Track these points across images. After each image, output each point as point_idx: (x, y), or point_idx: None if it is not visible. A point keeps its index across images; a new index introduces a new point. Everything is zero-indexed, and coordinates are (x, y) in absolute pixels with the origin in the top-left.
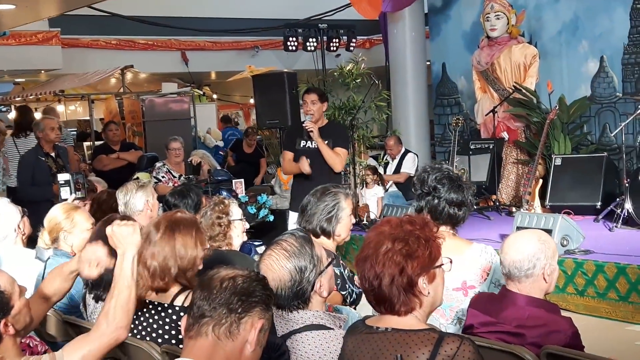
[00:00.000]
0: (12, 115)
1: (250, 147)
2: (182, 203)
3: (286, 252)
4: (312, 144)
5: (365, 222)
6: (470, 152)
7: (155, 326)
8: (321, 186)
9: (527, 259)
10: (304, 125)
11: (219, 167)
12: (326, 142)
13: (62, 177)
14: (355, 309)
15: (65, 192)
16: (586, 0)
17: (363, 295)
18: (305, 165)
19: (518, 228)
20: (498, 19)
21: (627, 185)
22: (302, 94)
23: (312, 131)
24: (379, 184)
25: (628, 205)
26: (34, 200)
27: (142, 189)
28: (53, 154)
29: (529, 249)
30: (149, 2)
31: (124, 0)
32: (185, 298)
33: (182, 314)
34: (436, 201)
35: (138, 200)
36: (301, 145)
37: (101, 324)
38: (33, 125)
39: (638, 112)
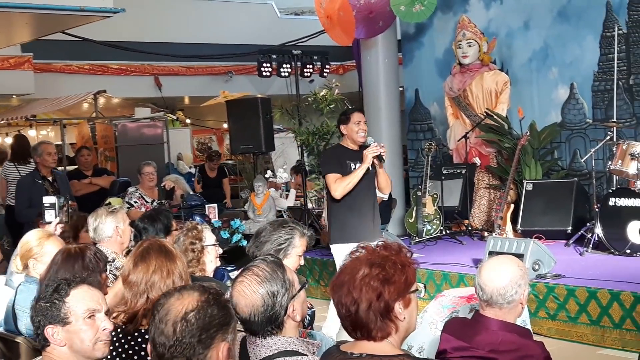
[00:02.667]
0: None
1: (213, 170)
2: (152, 227)
3: (258, 278)
4: (368, 167)
5: None
6: (443, 177)
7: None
8: (282, 219)
9: (510, 286)
10: (372, 148)
11: (192, 192)
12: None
13: (48, 199)
14: (312, 328)
15: (49, 215)
16: (556, 28)
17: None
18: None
19: (490, 252)
20: (470, 46)
21: (597, 210)
22: (351, 113)
23: (381, 154)
24: None
25: (598, 230)
26: (30, 222)
27: (112, 215)
28: (50, 178)
29: (511, 275)
30: (122, 28)
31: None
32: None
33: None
34: None
35: (107, 227)
36: (352, 168)
37: None
38: (31, 150)
39: (607, 138)
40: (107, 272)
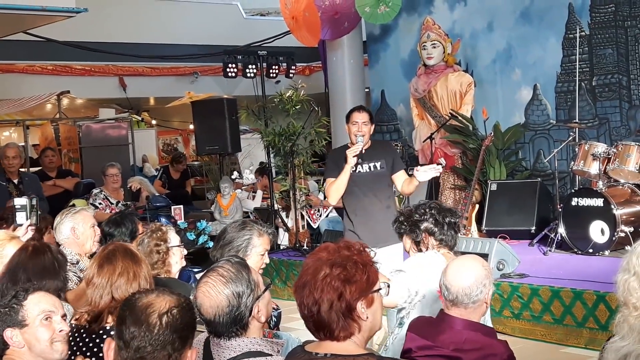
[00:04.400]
0: None
1: (178, 172)
2: (117, 232)
3: (223, 278)
4: (364, 167)
5: (305, 247)
6: None
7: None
8: (241, 219)
9: (475, 285)
10: (353, 147)
11: (157, 194)
12: (379, 163)
13: (19, 201)
14: (278, 329)
15: (20, 218)
16: (519, 29)
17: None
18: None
19: (455, 252)
20: (434, 47)
21: (560, 210)
22: (351, 112)
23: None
24: None
25: (561, 230)
26: None
27: (70, 216)
28: (16, 181)
29: (476, 275)
30: (86, 28)
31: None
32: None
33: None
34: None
35: (64, 227)
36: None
37: None
38: None
39: (570, 138)
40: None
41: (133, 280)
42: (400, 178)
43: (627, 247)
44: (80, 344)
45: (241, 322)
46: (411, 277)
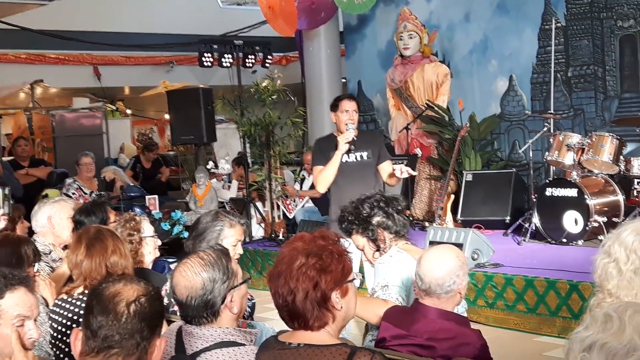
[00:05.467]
0: None
1: (149, 160)
2: (88, 220)
3: (202, 261)
4: (351, 157)
5: (281, 237)
6: None
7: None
8: (216, 210)
9: (448, 276)
10: (345, 134)
11: (131, 184)
12: (366, 153)
13: None
14: (252, 319)
15: None
16: (496, 21)
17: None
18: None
19: (431, 242)
20: (411, 38)
21: (534, 200)
22: (340, 100)
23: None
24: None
25: (535, 220)
26: None
27: (48, 205)
28: None
29: (449, 265)
30: (61, 16)
31: (34, 14)
32: None
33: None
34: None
35: (41, 216)
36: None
37: None
38: None
39: (545, 129)
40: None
41: (125, 258)
42: (385, 169)
43: (601, 237)
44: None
45: (212, 308)
46: (397, 287)
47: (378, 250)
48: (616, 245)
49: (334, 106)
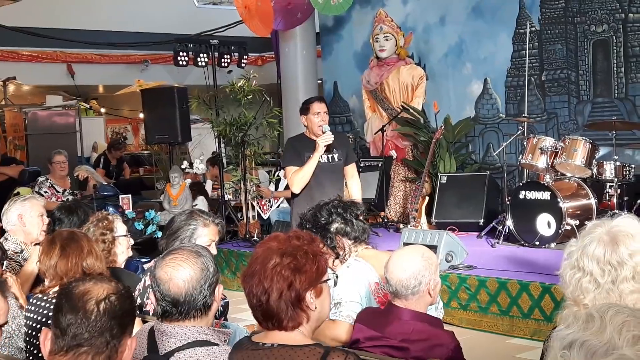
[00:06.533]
0: None
1: (115, 158)
2: (68, 219)
3: (192, 255)
4: (328, 158)
5: (255, 238)
6: (360, 170)
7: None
8: (190, 209)
9: (412, 277)
10: (324, 136)
11: (104, 183)
12: (337, 155)
13: None
14: (226, 319)
15: None
16: (471, 24)
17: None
18: None
19: (405, 244)
20: (387, 40)
21: (508, 203)
22: (310, 103)
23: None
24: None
25: (509, 222)
26: None
27: (18, 203)
28: None
29: (413, 267)
30: (34, 13)
31: (7, 11)
32: None
33: None
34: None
35: (12, 214)
36: (321, 160)
37: None
38: None
39: (519, 132)
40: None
41: (100, 260)
42: (350, 171)
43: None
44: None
45: (206, 302)
46: (351, 303)
47: (337, 257)
48: (585, 259)
49: (305, 109)
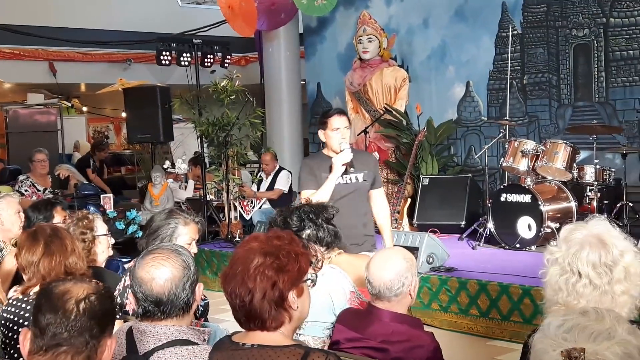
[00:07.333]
0: None
1: (99, 159)
2: (34, 216)
3: (172, 251)
4: (344, 178)
5: (237, 239)
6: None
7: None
8: (168, 208)
9: (396, 279)
10: (341, 155)
11: (85, 182)
12: (362, 174)
13: None
14: (206, 320)
15: None
16: (454, 27)
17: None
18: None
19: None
20: (370, 41)
21: (489, 205)
22: (328, 117)
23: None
24: None
25: (490, 225)
26: None
27: None
28: None
29: (396, 269)
30: (16, 10)
31: None
32: None
33: None
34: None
35: None
36: (341, 182)
37: None
38: None
39: (500, 135)
40: None
41: (82, 259)
42: (376, 196)
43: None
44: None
45: (188, 301)
46: (314, 323)
47: (310, 265)
48: (579, 264)
49: (322, 123)
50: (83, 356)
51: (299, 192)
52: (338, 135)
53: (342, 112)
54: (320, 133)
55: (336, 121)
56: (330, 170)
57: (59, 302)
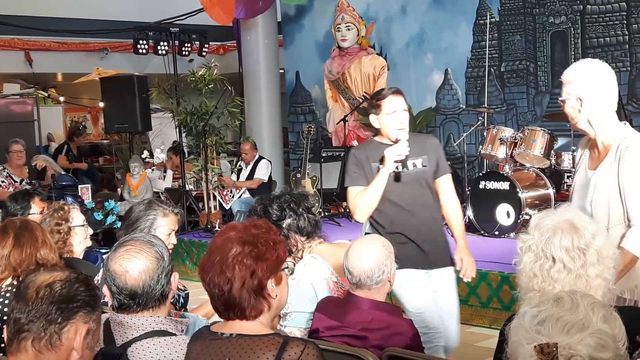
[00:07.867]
0: None
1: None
2: (11, 206)
3: (146, 245)
4: (405, 166)
5: (217, 228)
6: (322, 160)
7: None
8: (149, 198)
9: (376, 267)
10: (394, 151)
11: (63, 172)
12: (421, 160)
13: None
14: (186, 310)
15: None
16: (432, 14)
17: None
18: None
19: (366, 234)
20: (349, 29)
21: (468, 193)
22: (382, 99)
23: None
24: None
25: (469, 212)
26: None
27: None
28: None
29: (376, 257)
30: None
31: None
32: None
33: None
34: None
35: None
36: (395, 171)
37: None
38: None
39: (479, 123)
40: None
41: (53, 251)
42: (444, 184)
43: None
44: None
45: (164, 292)
46: (298, 314)
47: (290, 255)
48: (553, 249)
49: (375, 107)
50: (44, 341)
51: (346, 187)
52: (395, 120)
53: (398, 91)
54: (373, 118)
55: (391, 103)
56: (382, 161)
57: (23, 290)
